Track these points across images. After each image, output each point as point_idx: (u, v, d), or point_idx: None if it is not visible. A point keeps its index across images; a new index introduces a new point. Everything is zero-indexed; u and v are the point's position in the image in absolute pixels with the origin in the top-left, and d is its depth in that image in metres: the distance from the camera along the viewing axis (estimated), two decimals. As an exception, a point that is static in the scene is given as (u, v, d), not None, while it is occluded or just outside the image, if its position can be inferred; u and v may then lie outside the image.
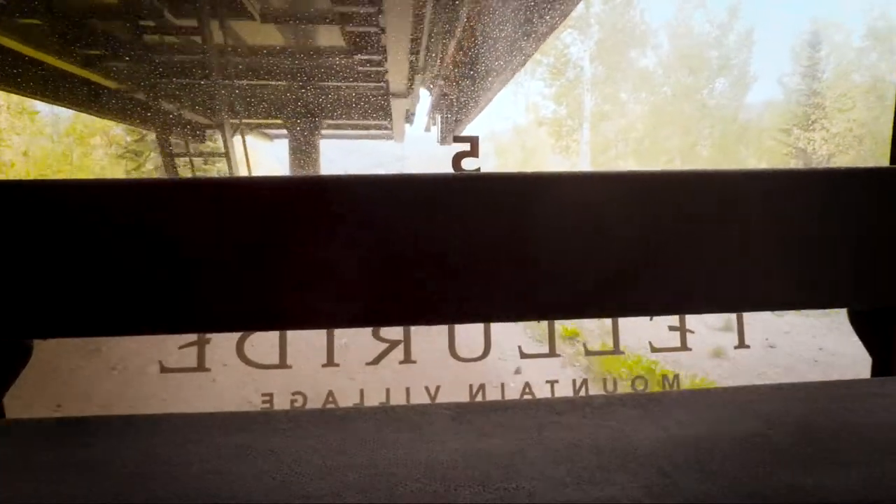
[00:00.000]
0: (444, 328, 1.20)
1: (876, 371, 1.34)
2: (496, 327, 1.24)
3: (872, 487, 0.71)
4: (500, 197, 1.12)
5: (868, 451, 0.81)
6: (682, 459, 0.79)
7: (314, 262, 1.08)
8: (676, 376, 1.31)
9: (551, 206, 1.13)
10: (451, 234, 1.11)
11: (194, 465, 0.80)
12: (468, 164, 1.21)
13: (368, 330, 1.18)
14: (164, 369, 1.24)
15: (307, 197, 1.08)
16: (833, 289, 1.22)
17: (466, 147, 1.20)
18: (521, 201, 1.12)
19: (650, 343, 1.34)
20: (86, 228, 1.04)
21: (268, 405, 1.29)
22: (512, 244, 1.12)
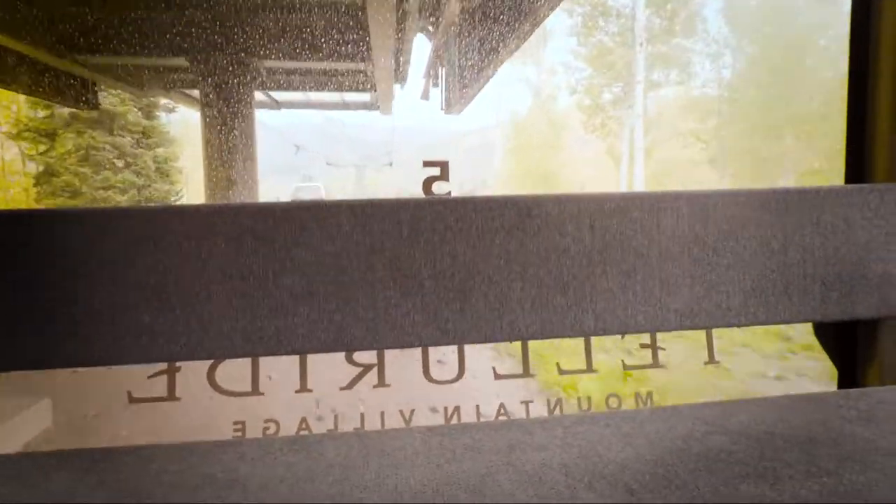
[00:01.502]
0: (417, 351, 1.20)
1: (842, 383, 1.37)
2: (470, 349, 1.24)
3: (832, 497, 0.73)
4: (470, 220, 1.14)
5: (830, 462, 0.83)
6: (649, 477, 0.80)
7: (288, 287, 1.08)
8: (650, 393, 1.33)
9: (522, 229, 1.15)
10: (423, 257, 1.12)
11: (158, 496, 0.78)
12: (438, 189, 1.23)
13: (342, 354, 1.18)
14: (132, 399, 1.22)
15: (281, 223, 1.08)
16: (799, 304, 1.26)
17: (437, 171, 1.23)
18: (491, 224, 1.14)
19: (622, 361, 1.36)
20: (48, 259, 1.03)
21: (240, 433, 1.27)
22: (483, 266, 1.14)
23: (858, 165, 1.37)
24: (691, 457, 0.87)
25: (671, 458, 0.87)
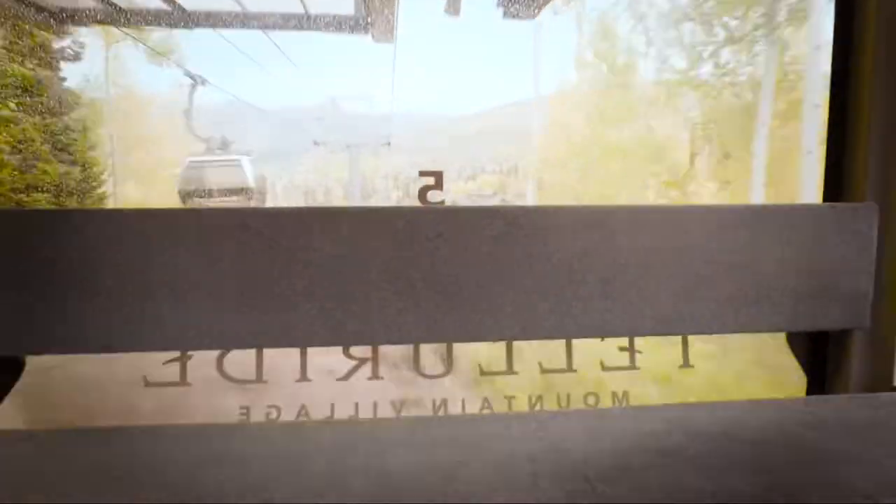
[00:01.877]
0: (409, 347, 1.30)
1: (810, 390, 1.45)
2: (459, 347, 1.34)
3: (766, 492, 0.81)
4: (461, 228, 1.23)
5: (774, 462, 0.92)
6: (607, 469, 0.89)
7: (291, 286, 1.18)
8: (626, 392, 1.42)
9: (509, 237, 1.24)
10: (416, 261, 1.21)
11: (169, 471, 0.89)
12: (433, 197, 1.31)
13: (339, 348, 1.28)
14: (147, 384, 1.33)
15: (287, 226, 1.18)
16: (770, 314, 1.33)
17: (431, 181, 1.31)
18: (480, 232, 1.23)
19: (601, 362, 1.45)
20: (75, 254, 1.13)
21: (245, 417, 1.38)
22: (471, 271, 1.23)
23: (836, 184, 1.43)
24: (648, 452, 0.96)
25: (630, 453, 0.95)
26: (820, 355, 1.46)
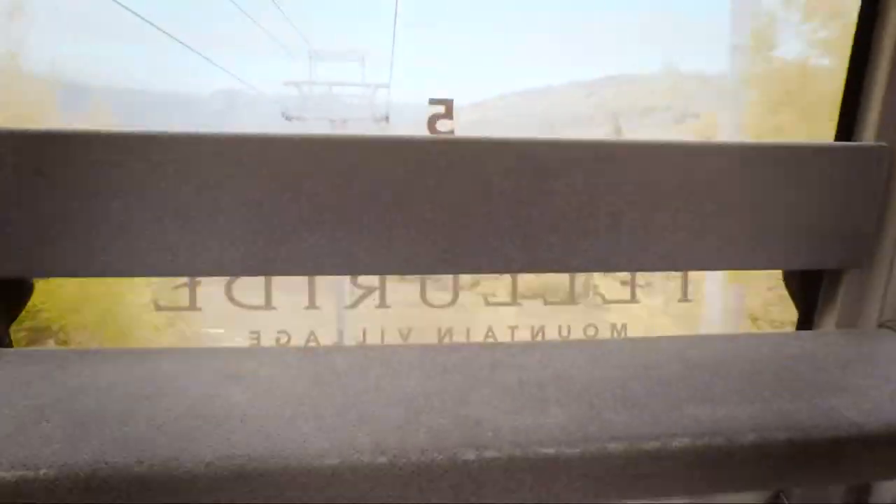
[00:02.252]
0: (416, 277, 1.32)
1: (800, 325, 1.51)
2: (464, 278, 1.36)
3: (759, 419, 0.87)
4: (471, 159, 1.21)
5: (766, 391, 0.97)
6: (610, 396, 0.94)
7: (301, 214, 1.17)
8: (624, 325, 1.47)
9: (518, 170, 1.22)
10: (425, 192, 1.21)
11: (192, 388, 0.92)
12: (442, 126, 1.28)
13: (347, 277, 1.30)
14: (158, 307, 1.35)
15: (294, 154, 1.15)
16: (770, 252, 1.36)
17: (441, 109, 1.28)
18: (491, 164, 1.22)
19: (602, 295, 1.49)
20: (85, 177, 1.11)
21: (255, 342, 1.42)
22: (480, 203, 1.22)
23: (850, 124, 1.42)
24: (649, 381, 1.01)
25: (632, 382, 1.00)
26: (812, 293, 1.50)
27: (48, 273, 1.16)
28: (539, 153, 1.23)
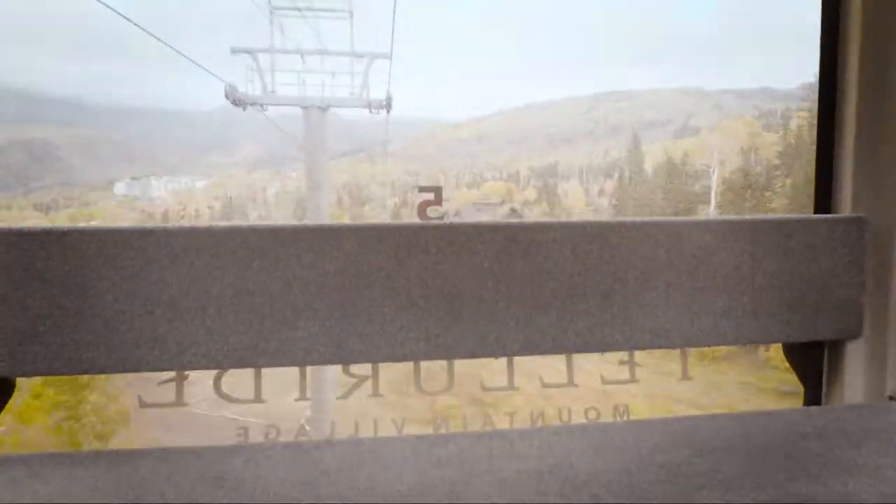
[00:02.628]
0: (409, 364, 1.29)
1: (807, 401, 1.46)
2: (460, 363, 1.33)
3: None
4: (461, 244, 1.23)
5: (780, 475, 0.92)
6: (614, 485, 0.89)
7: (292, 303, 1.17)
8: (626, 406, 1.42)
9: (508, 253, 1.24)
10: (417, 277, 1.21)
11: (170, 495, 0.87)
12: (433, 213, 1.32)
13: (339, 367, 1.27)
14: (143, 404, 1.30)
15: (287, 244, 1.17)
16: (769, 325, 1.35)
17: (431, 196, 1.32)
18: (480, 248, 1.23)
19: (601, 376, 1.45)
20: (76, 273, 1.11)
21: (242, 437, 1.36)
22: (472, 287, 1.23)
23: (826, 196, 1.46)
24: (655, 467, 0.96)
25: (636, 469, 0.95)
26: (815, 366, 1.47)
27: (31, 372, 1.13)
28: (527, 234, 1.25)
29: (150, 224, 1.28)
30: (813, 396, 1.46)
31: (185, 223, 1.16)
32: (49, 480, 0.93)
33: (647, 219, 1.32)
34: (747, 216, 1.34)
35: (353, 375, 1.28)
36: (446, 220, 1.26)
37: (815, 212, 1.48)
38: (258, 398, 1.29)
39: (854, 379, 1.40)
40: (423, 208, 1.32)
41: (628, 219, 1.31)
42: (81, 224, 1.09)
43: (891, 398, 1.37)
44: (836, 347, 1.44)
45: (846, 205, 1.42)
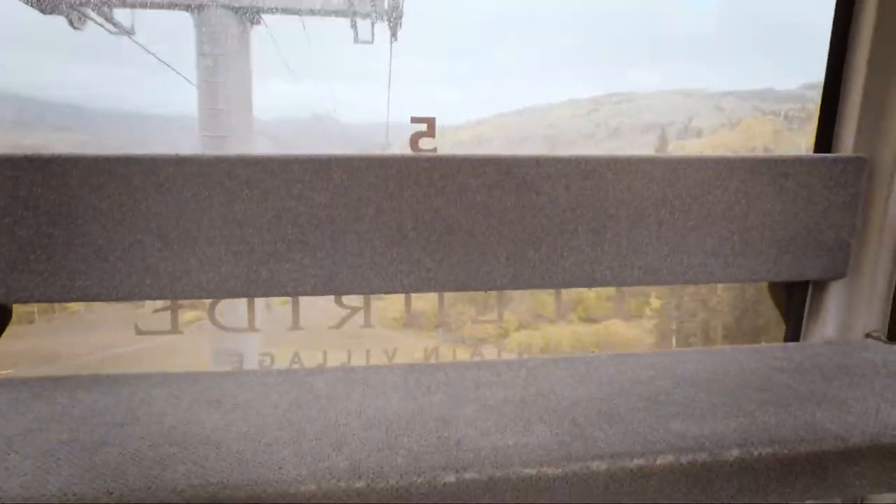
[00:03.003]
0: (401, 297, 1.31)
1: (787, 337, 1.50)
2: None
3: (744, 434, 0.86)
4: (454, 176, 1.21)
5: (751, 405, 0.96)
6: (594, 413, 0.93)
7: (283, 235, 1.17)
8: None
9: (501, 187, 1.23)
10: (408, 210, 1.20)
11: (169, 414, 0.90)
12: (425, 145, 1.29)
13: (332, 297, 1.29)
14: (139, 331, 1.33)
15: (276, 175, 1.15)
16: (756, 265, 1.36)
17: (423, 127, 1.28)
18: (473, 181, 1.22)
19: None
20: (63, 201, 1.10)
21: (238, 364, 1.40)
22: (463, 220, 1.22)
23: (827, 136, 1.43)
24: (634, 397, 1.00)
25: (617, 398, 0.99)
26: (798, 304, 1.51)
27: (26, 298, 1.14)
28: (521, 169, 1.24)
29: (136, 152, 1.25)
30: (794, 334, 1.50)
31: (171, 151, 1.13)
32: (51, 402, 0.97)
33: (642, 155, 1.30)
34: (745, 154, 1.32)
35: (344, 306, 1.30)
36: (438, 153, 1.23)
37: (815, 151, 1.46)
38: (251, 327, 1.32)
39: (835, 317, 1.44)
40: (415, 140, 1.29)
41: (623, 155, 1.29)
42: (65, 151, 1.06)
43: (868, 336, 1.41)
44: (819, 287, 1.47)
45: (847, 145, 1.40)
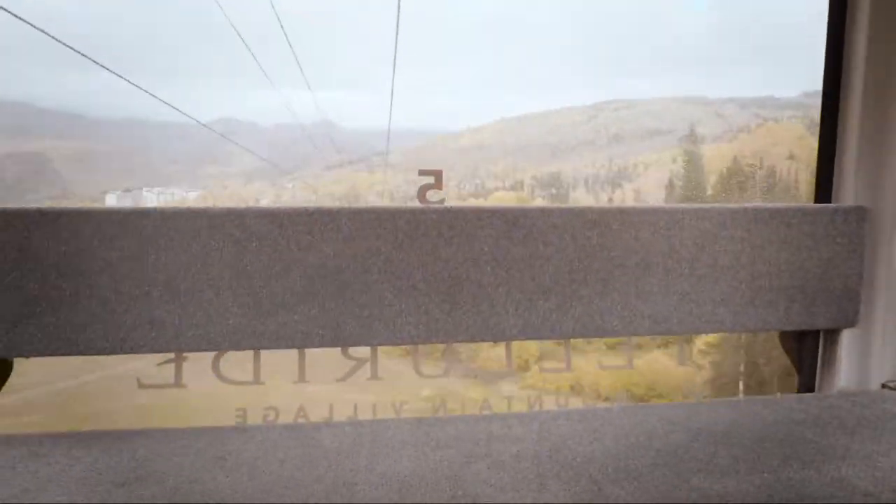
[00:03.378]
0: (409, 347, 1.29)
1: (801, 388, 1.48)
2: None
3: (769, 491, 0.83)
4: (461, 228, 1.22)
5: (774, 460, 0.93)
6: (612, 469, 0.90)
7: (290, 286, 1.17)
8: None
9: (508, 238, 1.24)
10: (416, 261, 1.21)
11: (172, 474, 0.87)
12: (432, 196, 1.31)
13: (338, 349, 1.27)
14: (141, 385, 1.31)
15: (285, 226, 1.16)
16: (766, 314, 1.36)
17: (431, 180, 1.31)
18: (480, 233, 1.23)
19: (599, 361, 1.46)
20: (72, 254, 1.11)
21: (241, 419, 1.36)
22: (471, 271, 1.23)
23: (827, 186, 1.46)
24: (652, 452, 0.97)
25: (634, 453, 0.96)
26: (811, 353, 1.49)
27: (28, 352, 1.13)
28: (528, 220, 1.25)
29: (147, 205, 1.28)
30: (807, 383, 1.48)
31: (182, 204, 1.15)
32: (49, 461, 0.94)
33: (646, 205, 1.32)
34: (748, 204, 1.34)
35: (351, 357, 1.28)
36: (446, 205, 1.25)
37: (816, 201, 1.48)
38: (257, 380, 1.29)
39: (848, 366, 1.42)
40: (423, 192, 1.31)
41: (628, 205, 1.31)
42: (77, 204, 1.08)
43: (884, 386, 1.38)
44: (831, 335, 1.45)
45: (848, 195, 1.43)
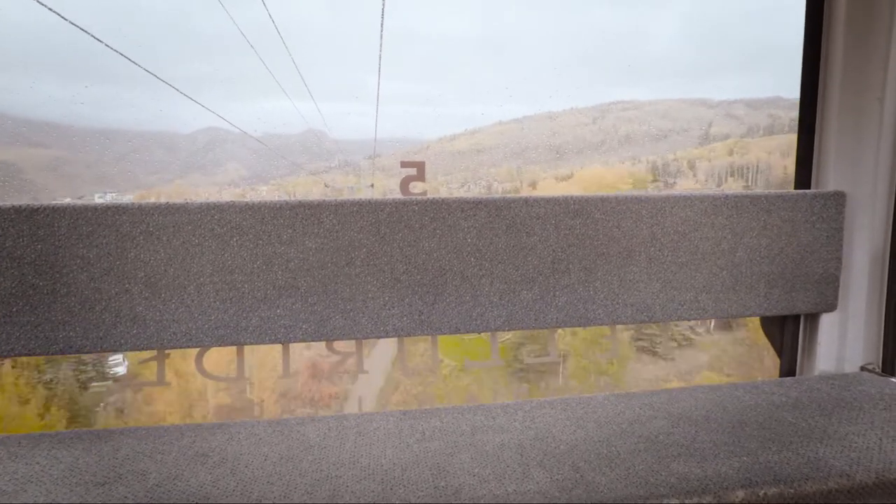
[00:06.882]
0: (394, 341, 1.29)
1: (783, 372, 1.50)
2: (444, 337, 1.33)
3: (748, 474, 0.84)
4: (444, 219, 1.22)
5: (753, 443, 0.94)
6: (594, 455, 0.90)
7: (273, 281, 1.16)
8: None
9: (492, 228, 1.24)
10: (399, 253, 1.20)
11: (153, 471, 0.87)
12: (415, 188, 1.30)
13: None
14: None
15: (267, 221, 1.15)
16: (748, 299, 1.37)
17: (413, 171, 1.30)
18: (463, 224, 1.23)
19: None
20: (50, 251, 1.09)
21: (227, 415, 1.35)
22: (455, 263, 1.22)
23: (806, 173, 1.47)
24: (634, 438, 0.98)
25: (616, 440, 0.97)
26: (791, 338, 1.51)
27: (6, 353, 1.11)
28: (511, 210, 1.25)
29: (124, 200, 1.26)
30: (789, 367, 1.50)
31: (161, 200, 1.13)
32: (29, 461, 0.92)
33: (629, 193, 1.32)
34: (729, 191, 1.35)
35: (336, 352, 1.27)
36: (429, 196, 1.25)
37: (796, 188, 1.49)
38: (241, 376, 1.28)
39: (828, 350, 1.44)
40: (405, 184, 1.30)
41: (611, 194, 1.31)
42: (54, 201, 1.06)
43: (862, 368, 1.41)
44: (811, 320, 1.47)
45: (827, 181, 1.44)
